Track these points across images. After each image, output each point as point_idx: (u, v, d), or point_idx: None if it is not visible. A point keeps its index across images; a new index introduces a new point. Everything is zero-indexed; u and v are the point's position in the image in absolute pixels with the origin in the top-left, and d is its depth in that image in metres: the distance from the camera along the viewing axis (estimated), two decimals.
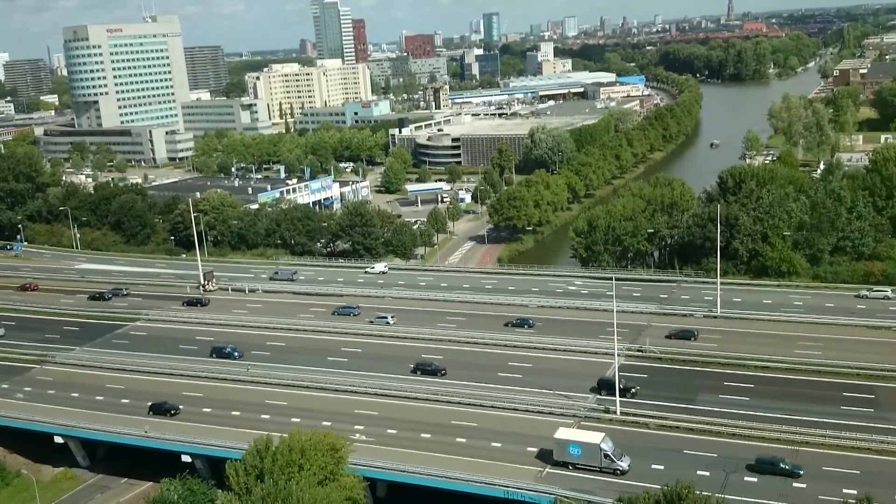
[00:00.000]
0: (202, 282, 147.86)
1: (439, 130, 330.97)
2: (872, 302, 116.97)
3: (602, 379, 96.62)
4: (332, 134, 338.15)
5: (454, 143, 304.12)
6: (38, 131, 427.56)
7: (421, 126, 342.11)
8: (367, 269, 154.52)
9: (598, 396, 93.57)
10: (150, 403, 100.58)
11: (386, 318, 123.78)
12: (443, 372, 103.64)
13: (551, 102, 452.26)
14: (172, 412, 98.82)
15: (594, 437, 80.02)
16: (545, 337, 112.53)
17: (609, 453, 78.26)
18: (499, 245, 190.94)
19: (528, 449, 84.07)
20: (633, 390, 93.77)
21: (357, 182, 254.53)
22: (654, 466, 78.28)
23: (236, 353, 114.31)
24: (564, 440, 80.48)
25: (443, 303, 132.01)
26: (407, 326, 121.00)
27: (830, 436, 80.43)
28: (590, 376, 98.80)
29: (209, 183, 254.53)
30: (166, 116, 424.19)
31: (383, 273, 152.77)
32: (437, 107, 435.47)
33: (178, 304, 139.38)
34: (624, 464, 77.82)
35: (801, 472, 75.26)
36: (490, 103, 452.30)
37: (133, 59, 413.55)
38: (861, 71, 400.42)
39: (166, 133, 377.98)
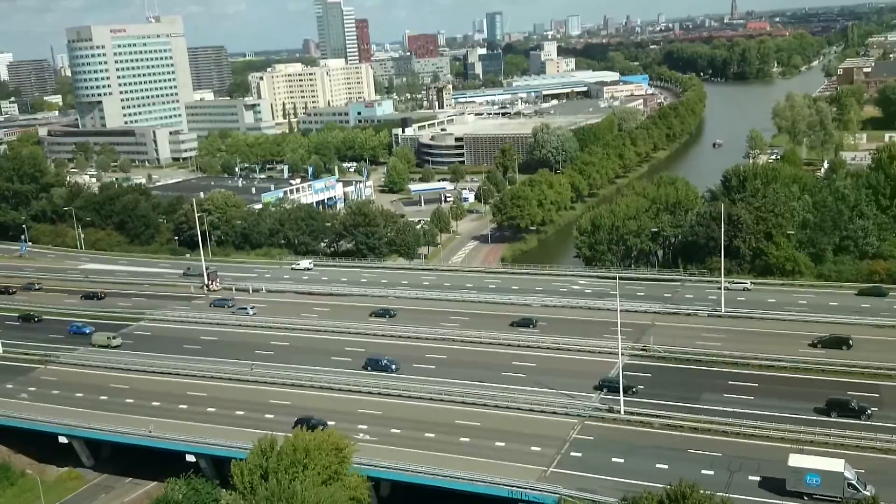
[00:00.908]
0: (206, 282, 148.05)
1: (442, 130, 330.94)
2: (876, 301, 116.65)
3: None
4: (336, 134, 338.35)
5: (457, 143, 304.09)
6: (42, 132, 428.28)
7: (424, 126, 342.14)
8: (293, 266, 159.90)
9: (602, 395, 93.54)
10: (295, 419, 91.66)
11: (246, 308, 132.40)
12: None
13: (555, 102, 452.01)
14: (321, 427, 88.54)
15: (835, 465, 71.29)
16: (549, 336, 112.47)
17: (853, 482, 69.74)
18: (502, 244, 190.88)
19: (533, 448, 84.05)
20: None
21: (361, 182, 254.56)
22: (658, 466, 78.15)
23: (394, 366, 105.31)
24: (800, 468, 71.80)
25: (446, 302, 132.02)
26: (410, 326, 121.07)
27: (835, 435, 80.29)
28: (594, 376, 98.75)
29: (213, 183, 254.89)
30: (170, 116, 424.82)
31: (308, 270, 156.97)
32: (441, 106, 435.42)
33: (177, 303, 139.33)
34: (869, 493, 68.64)
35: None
36: (493, 103, 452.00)
37: (136, 60, 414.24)
38: (865, 70, 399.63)
39: (170, 133, 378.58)
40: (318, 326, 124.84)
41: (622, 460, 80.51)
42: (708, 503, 61.21)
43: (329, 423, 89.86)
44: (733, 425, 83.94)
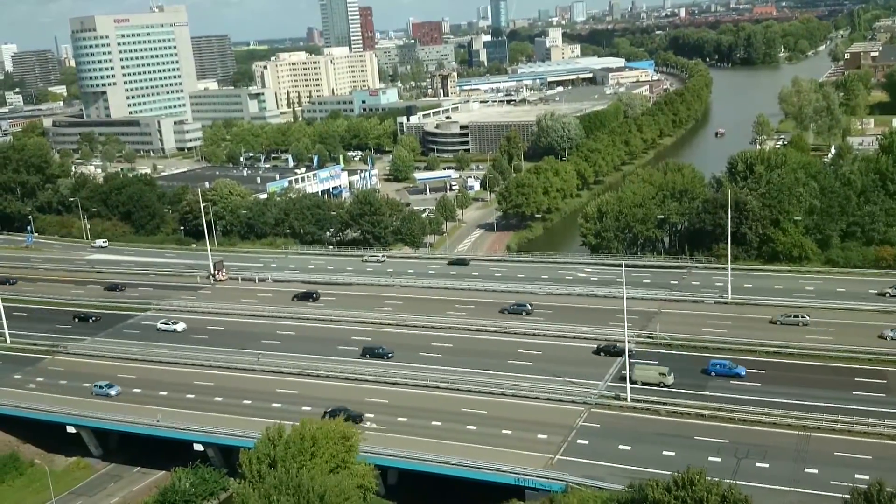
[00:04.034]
0: (212, 272, 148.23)
1: (447, 118, 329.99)
2: (883, 286, 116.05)
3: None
4: (340, 122, 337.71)
5: (462, 131, 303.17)
6: (47, 122, 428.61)
7: (429, 114, 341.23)
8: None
9: (608, 384, 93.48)
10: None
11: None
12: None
13: (560, 88, 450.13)
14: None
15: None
16: (555, 324, 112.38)
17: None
18: (508, 233, 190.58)
19: (539, 436, 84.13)
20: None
21: (366, 171, 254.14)
22: (664, 453, 78.22)
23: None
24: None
25: (452, 290, 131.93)
26: (416, 314, 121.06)
27: (842, 421, 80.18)
28: (600, 363, 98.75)
29: (218, 173, 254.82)
30: (174, 106, 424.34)
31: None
32: (445, 94, 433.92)
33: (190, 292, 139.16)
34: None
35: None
36: (498, 90, 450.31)
37: (141, 49, 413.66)
38: (872, 54, 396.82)
39: (174, 123, 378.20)
40: (325, 315, 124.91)
41: (629, 448, 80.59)
42: (715, 490, 61.14)
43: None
44: (740, 412, 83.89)
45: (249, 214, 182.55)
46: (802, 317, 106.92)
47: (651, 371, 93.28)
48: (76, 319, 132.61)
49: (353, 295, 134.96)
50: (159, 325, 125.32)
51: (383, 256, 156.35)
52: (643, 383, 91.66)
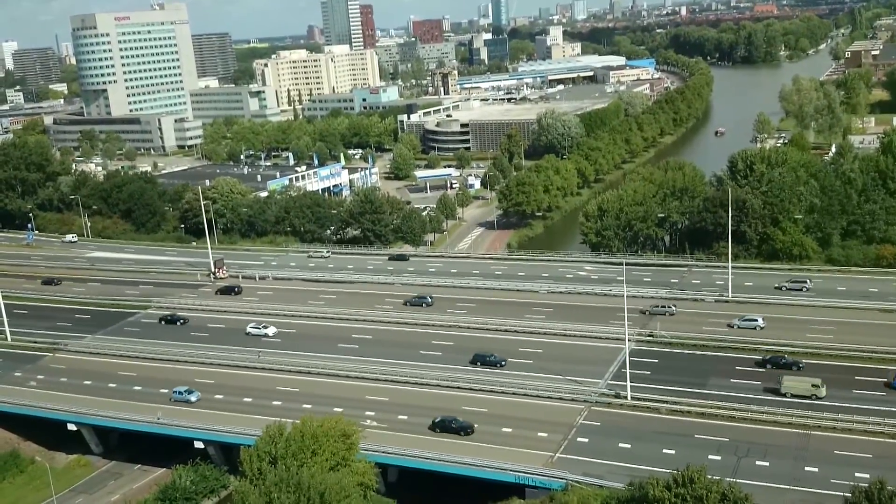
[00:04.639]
0: (213, 269, 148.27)
1: (448, 116, 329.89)
2: (884, 284, 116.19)
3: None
4: (341, 120, 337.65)
5: (463, 129, 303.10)
6: (48, 120, 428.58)
7: (429, 112, 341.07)
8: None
9: (608, 383, 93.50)
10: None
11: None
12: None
13: (561, 87, 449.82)
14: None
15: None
16: (555, 322, 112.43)
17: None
18: (508, 231, 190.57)
19: (540, 434, 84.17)
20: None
21: (367, 169, 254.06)
22: (665, 451, 78.23)
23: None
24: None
25: (452, 289, 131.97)
26: (416, 313, 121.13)
27: (842, 420, 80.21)
28: (601, 362, 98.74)
29: (218, 171, 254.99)
30: (175, 104, 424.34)
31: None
32: (446, 92, 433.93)
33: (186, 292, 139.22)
34: None
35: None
36: (499, 88, 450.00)
37: (141, 47, 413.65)
38: (873, 52, 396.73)
39: (175, 121, 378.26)
40: (325, 313, 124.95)
41: (629, 446, 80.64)
42: (715, 488, 61.17)
43: (335, 409, 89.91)
44: (740, 410, 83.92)
45: (250, 212, 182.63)
46: (670, 307, 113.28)
47: (802, 383, 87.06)
48: (163, 322, 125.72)
49: (288, 290, 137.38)
50: (249, 329, 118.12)
51: (328, 252, 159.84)
52: (793, 396, 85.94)
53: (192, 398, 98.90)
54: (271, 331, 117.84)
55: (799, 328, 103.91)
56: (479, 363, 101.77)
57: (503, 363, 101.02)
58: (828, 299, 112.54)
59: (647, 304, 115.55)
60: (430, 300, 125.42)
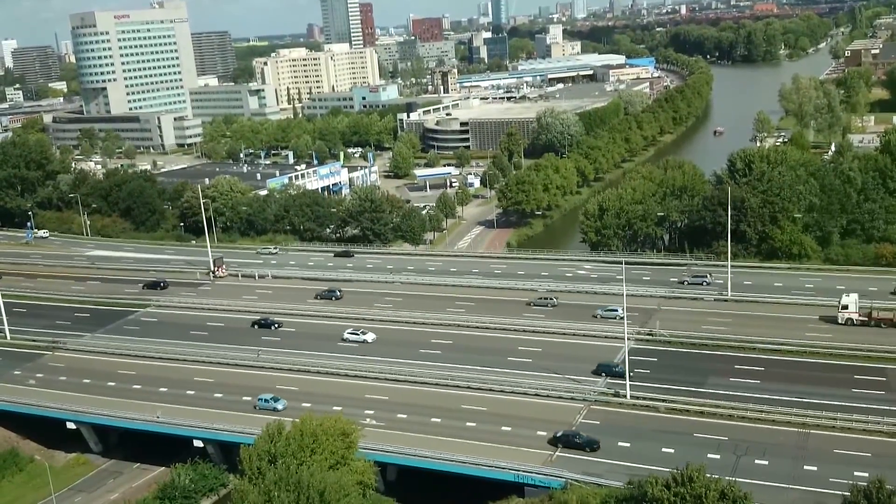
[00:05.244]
0: (212, 268, 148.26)
1: (448, 115, 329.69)
2: (885, 283, 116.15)
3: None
4: (341, 119, 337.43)
5: (463, 128, 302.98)
6: (47, 118, 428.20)
7: (429, 110, 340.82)
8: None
9: (607, 381, 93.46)
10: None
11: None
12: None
13: (560, 85, 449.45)
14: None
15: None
16: (555, 321, 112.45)
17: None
18: (508, 229, 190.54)
19: (539, 433, 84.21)
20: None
21: (367, 167, 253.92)
22: (664, 450, 78.27)
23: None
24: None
25: (452, 287, 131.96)
26: (416, 311, 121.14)
27: (841, 419, 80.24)
28: (600, 360, 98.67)
29: (218, 169, 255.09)
30: (174, 102, 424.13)
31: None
32: (446, 91, 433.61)
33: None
34: None
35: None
36: (499, 87, 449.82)
37: (141, 46, 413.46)
38: (873, 51, 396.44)
39: (174, 119, 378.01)
40: (324, 312, 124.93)
41: (628, 444, 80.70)
42: (714, 487, 61.20)
43: (335, 408, 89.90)
44: (739, 409, 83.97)
45: (249, 211, 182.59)
46: (551, 299, 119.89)
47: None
48: (255, 326, 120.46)
49: (288, 288, 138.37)
50: (346, 336, 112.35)
51: (275, 248, 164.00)
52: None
53: (279, 406, 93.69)
54: (370, 337, 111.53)
55: (798, 326, 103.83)
56: (603, 374, 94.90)
57: (632, 374, 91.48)
58: (826, 297, 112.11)
59: (531, 296, 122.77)
60: (339, 294, 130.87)
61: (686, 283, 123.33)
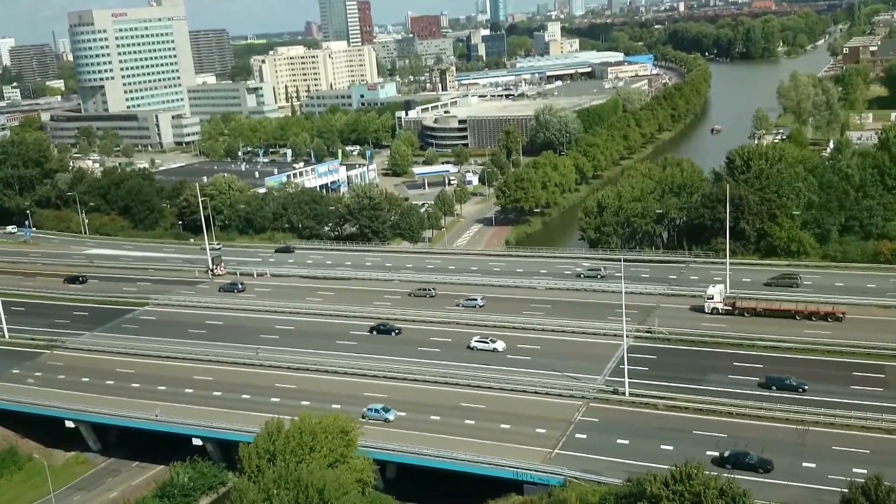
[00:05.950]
0: (210, 266, 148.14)
1: (446, 112, 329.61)
2: (882, 280, 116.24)
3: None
4: (339, 117, 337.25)
5: (461, 125, 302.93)
6: (45, 117, 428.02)
7: (427, 108, 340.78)
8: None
9: (606, 379, 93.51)
10: None
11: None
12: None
13: (559, 83, 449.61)
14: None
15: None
16: (553, 319, 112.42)
17: None
18: (506, 227, 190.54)
19: (538, 430, 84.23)
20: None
21: (365, 165, 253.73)
22: (663, 447, 78.32)
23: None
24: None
25: (451, 286, 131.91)
26: (414, 309, 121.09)
27: (840, 415, 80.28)
28: (599, 358, 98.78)
29: (216, 167, 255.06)
30: (172, 101, 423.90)
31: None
32: (444, 88, 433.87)
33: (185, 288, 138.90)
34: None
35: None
36: (497, 84, 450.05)
37: (138, 44, 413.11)
38: (871, 48, 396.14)
39: (172, 117, 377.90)
40: (323, 310, 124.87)
41: (627, 442, 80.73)
42: (713, 484, 61.22)
43: (333, 406, 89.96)
44: (738, 406, 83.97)
45: (247, 209, 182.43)
46: (430, 290, 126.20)
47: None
48: (372, 332, 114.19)
49: (286, 286, 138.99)
50: (473, 343, 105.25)
51: (219, 245, 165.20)
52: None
53: (391, 417, 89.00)
54: (500, 345, 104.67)
55: (797, 324, 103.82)
56: (773, 387, 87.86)
57: (804, 388, 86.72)
58: (825, 294, 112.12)
59: (412, 287, 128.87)
60: (241, 287, 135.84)
61: (582, 276, 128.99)
